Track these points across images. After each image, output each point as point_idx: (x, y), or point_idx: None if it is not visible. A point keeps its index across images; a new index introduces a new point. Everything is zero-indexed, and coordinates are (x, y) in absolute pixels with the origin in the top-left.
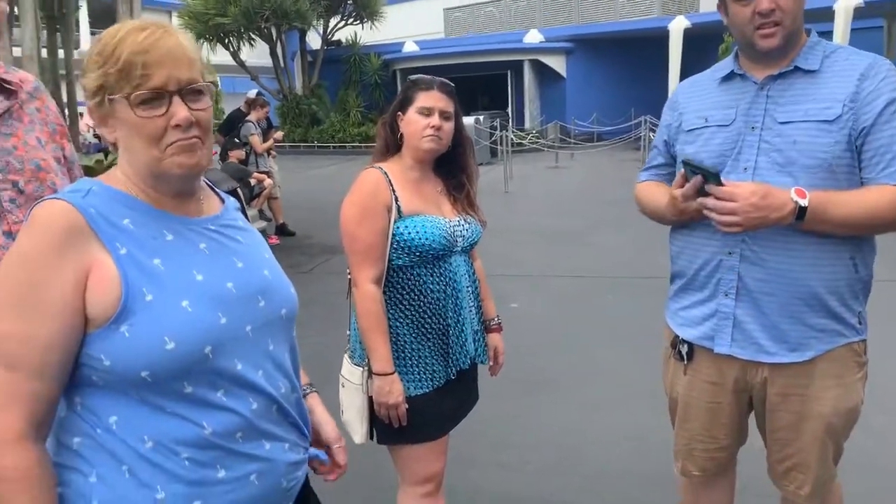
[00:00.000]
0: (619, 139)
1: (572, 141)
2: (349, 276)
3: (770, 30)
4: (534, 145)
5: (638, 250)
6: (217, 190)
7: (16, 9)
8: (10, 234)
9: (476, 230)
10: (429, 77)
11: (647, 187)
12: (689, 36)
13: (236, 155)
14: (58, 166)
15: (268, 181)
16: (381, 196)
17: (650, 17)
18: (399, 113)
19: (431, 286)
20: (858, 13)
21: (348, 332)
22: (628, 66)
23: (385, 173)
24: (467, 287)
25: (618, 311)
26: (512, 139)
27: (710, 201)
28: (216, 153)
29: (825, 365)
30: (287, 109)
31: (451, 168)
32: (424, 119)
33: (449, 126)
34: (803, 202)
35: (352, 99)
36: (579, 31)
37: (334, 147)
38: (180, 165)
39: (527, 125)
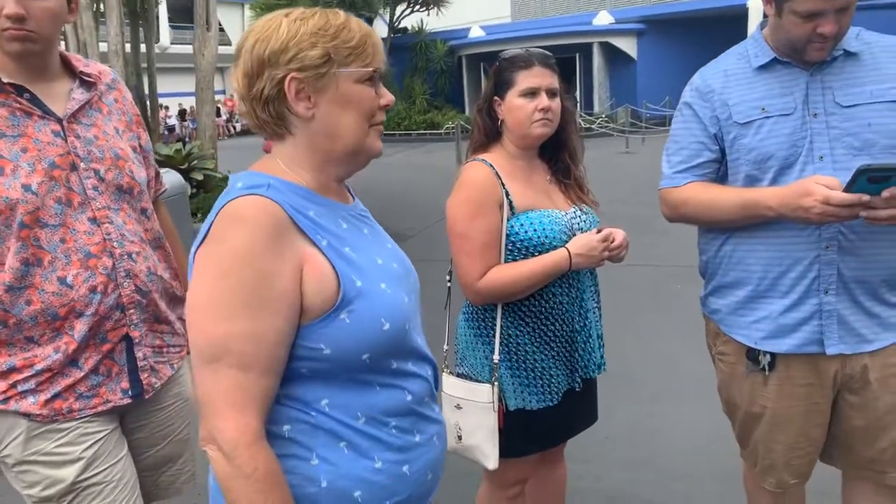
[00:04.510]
0: None
1: (643, 125)
2: (448, 285)
3: (825, 45)
4: (603, 129)
5: None
6: None
7: (101, 6)
8: (96, 221)
9: (594, 220)
10: (525, 52)
11: (703, 189)
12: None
13: None
14: (134, 154)
15: None
16: (492, 191)
17: None
18: (496, 98)
19: (554, 289)
20: None
21: (445, 348)
22: (703, 47)
23: (491, 166)
24: (591, 287)
25: (688, 302)
26: (580, 124)
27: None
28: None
29: None
30: None
31: (554, 149)
32: (530, 102)
33: (557, 104)
34: None
35: (417, 86)
36: (651, 11)
37: (400, 135)
38: (375, 148)
39: (595, 109)
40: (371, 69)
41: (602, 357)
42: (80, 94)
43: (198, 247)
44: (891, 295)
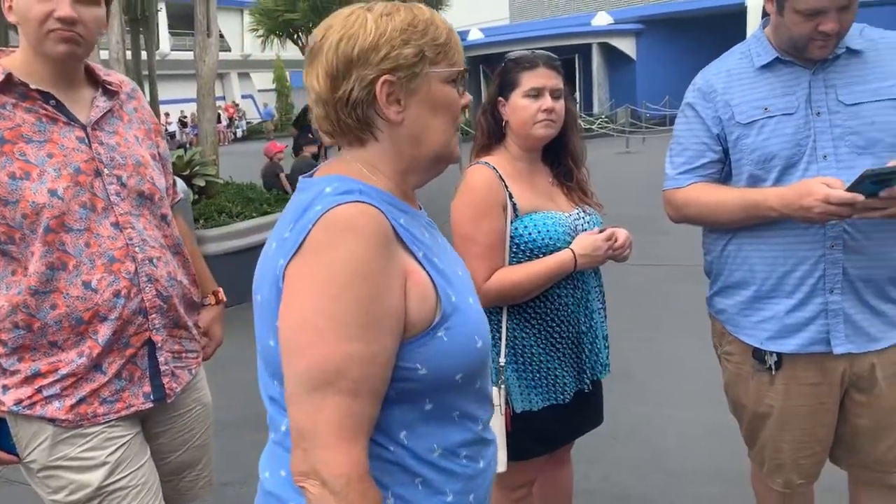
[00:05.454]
0: None
1: (644, 125)
2: None
3: (827, 43)
4: (603, 130)
5: None
6: None
7: None
8: (118, 226)
9: (597, 221)
10: (530, 52)
11: (706, 190)
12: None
13: (310, 150)
14: (154, 162)
15: None
16: (496, 194)
17: None
18: (500, 98)
19: (559, 291)
20: None
21: None
22: (702, 46)
23: (494, 168)
24: (595, 288)
25: (692, 302)
26: (580, 124)
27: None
28: (286, 146)
29: None
30: None
31: (557, 152)
32: (534, 103)
33: (561, 106)
34: None
35: None
36: (650, 10)
37: None
38: (457, 153)
39: (595, 110)
40: (459, 68)
41: (608, 358)
42: (102, 102)
43: (289, 259)
44: None
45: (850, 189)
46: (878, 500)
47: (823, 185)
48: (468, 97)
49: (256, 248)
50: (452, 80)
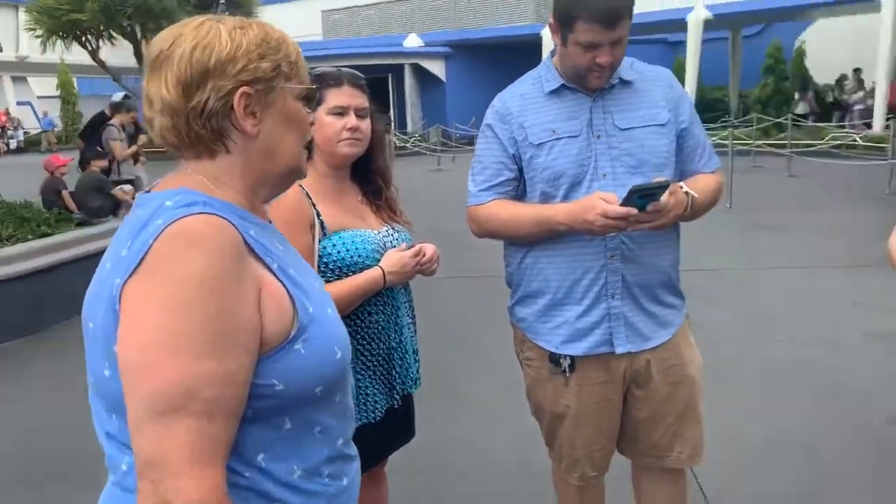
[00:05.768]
0: None
1: (454, 144)
2: None
3: (603, 74)
4: (416, 148)
5: None
6: None
7: None
8: None
9: (405, 238)
10: (336, 70)
11: (504, 206)
12: None
13: (99, 164)
14: None
15: (128, 189)
16: (303, 212)
17: (524, 24)
18: None
19: (369, 308)
20: (708, 25)
21: None
22: (505, 71)
23: (301, 186)
24: (405, 303)
25: (499, 311)
26: (395, 142)
27: (650, 213)
28: (72, 160)
29: (681, 333)
30: None
31: (365, 171)
32: (338, 120)
33: (366, 125)
34: (694, 193)
35: None
36: (457, 36)
37: None
38: (306, 170)
39: (409, 129)
40: (311, 86)
41: (418, 372)
42: None
43: (128, 277)
44: (665, 296)
45: (622, 204)
46: (656, 482)
47: (602, 200)
48: (313, 116)
49: (34, 276)
50: (303, 98)
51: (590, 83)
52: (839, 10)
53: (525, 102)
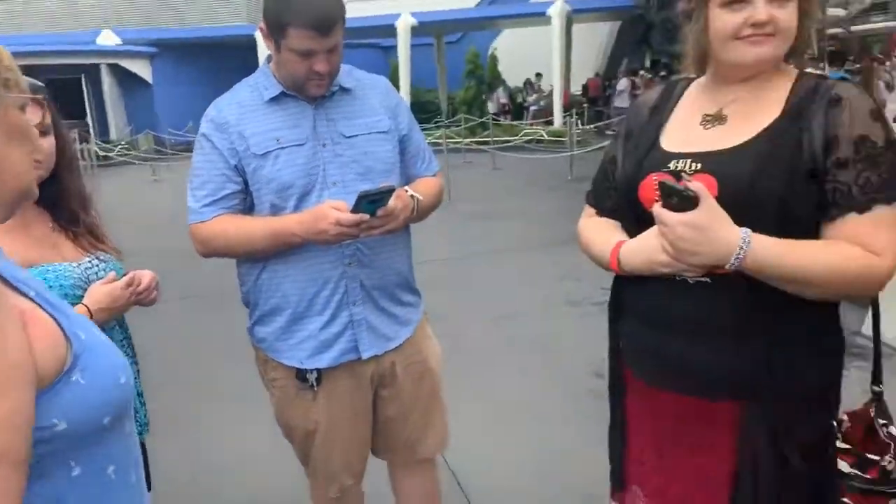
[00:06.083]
0: None
1: (169, 151)
2: None
3: (322, 82)
4: (123, 158)
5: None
6: None
7: None
8: None
9: (115, 268)
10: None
11: (232, 221)
12: None
13: None
14: None
15: None
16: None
17: (238, 24)
18: None
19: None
20: (415, 31)
21: None
22: (220, 72)
23: None
24: (121, 341)
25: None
26: (97, 152)
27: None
28: None
29: (420, 328)
30: None
31: (54, 194)
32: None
33: (49, 143)
34: (419, 196)
35: None
36: (162, 34)
37: None
38: (36, 191)
39: (113, 136)
40: (33, 95)
41: (146, 417)
42: None
43: None
44: (403, 295)
45: (353, 210)
46: (413, 475)
47: (333, 208)
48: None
49: None
50: (22, 108)
51: (309, 91)
52: (520, 22)
53: (244, 111)
